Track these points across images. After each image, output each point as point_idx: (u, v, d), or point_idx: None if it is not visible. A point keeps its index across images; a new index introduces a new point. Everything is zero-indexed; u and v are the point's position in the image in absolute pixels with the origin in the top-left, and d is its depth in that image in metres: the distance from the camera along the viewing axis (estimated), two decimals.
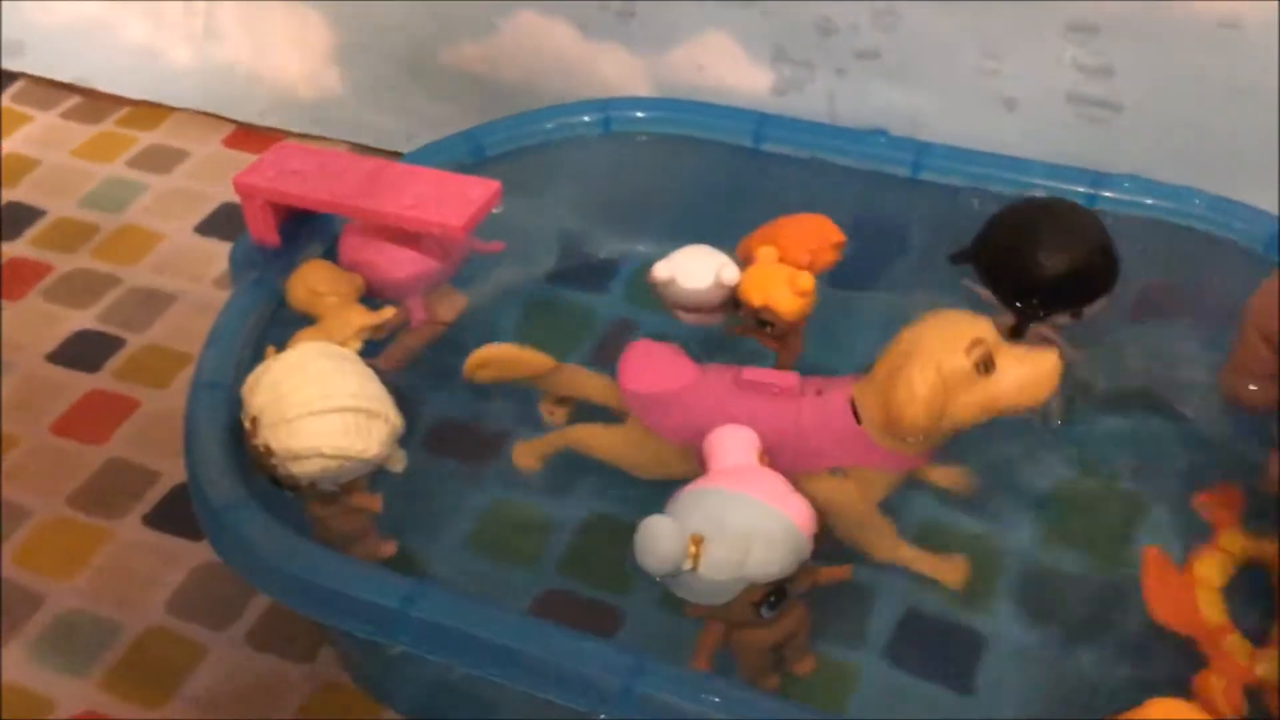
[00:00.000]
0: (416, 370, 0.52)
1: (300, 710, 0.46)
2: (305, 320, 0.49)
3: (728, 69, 0.65)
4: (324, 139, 0.75)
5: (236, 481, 0.41)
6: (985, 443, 0.47)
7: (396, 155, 0.64)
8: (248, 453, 0.41)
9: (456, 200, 0.48)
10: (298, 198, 0.49)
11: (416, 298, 0.51)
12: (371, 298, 0.50)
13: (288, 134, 0.76)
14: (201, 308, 0.64)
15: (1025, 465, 0.50)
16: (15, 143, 0.77)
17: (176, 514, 0.53)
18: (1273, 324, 0.41)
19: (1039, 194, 0.52)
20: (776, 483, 0.38)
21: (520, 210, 0.53)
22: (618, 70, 0.67)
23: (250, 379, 0.42)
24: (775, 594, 0.37)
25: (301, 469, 0.40)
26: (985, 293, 0.49)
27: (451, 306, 0.53)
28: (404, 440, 0.43)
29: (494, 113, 0.59)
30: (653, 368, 0.46)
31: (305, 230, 0.51)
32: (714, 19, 0.63)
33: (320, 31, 0.75)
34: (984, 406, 0.42)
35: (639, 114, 0.58)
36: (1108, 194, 0.52)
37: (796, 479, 0.44)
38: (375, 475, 0.43)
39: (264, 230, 0.50)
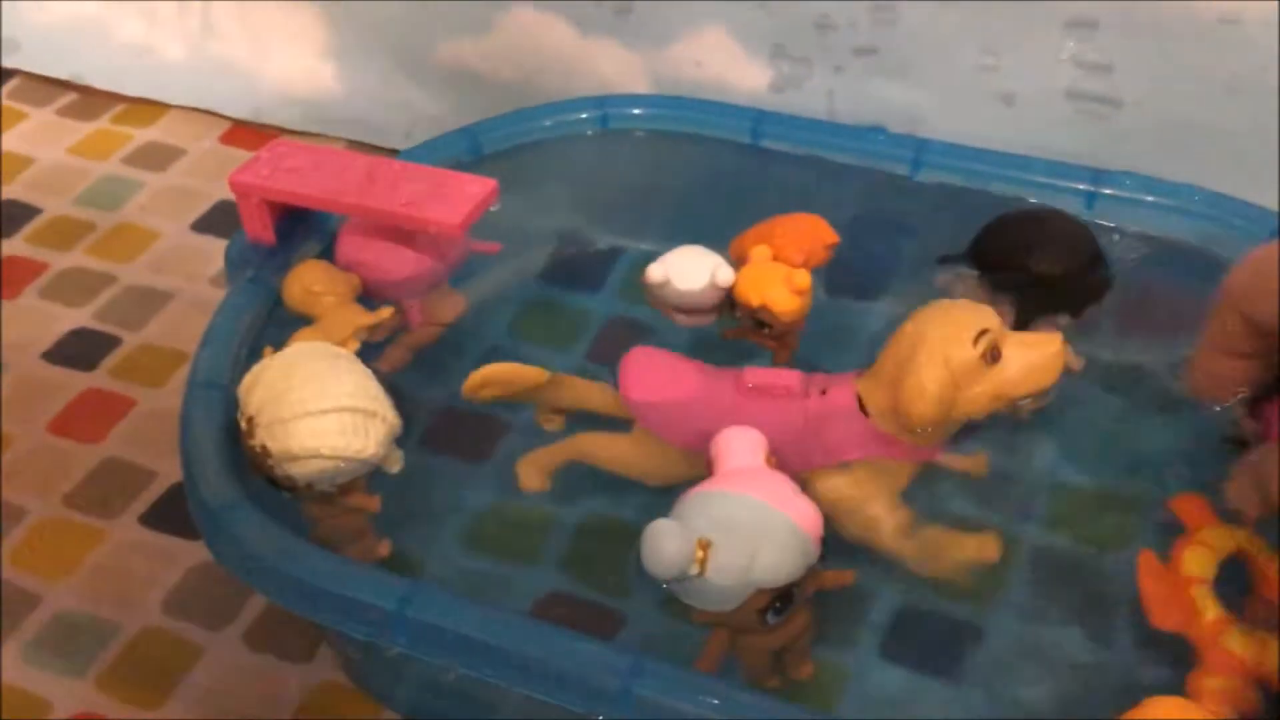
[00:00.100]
0: (414, 370, 0.52)
1: (298, 710, 0.46)
2: (301, 320, 0.48)
3: (726, 66, 0.64)
4: (320, 136, 0.75)
5: (232, 481, 0.41)
6: (981, 437, 0.47)
7: (393, 152, 0.63)
8: (244, 453, 0.41)
9: (454, 198, 0.48)
10: (294, 195, 0.49)
11: (414, 298, 0.51)
12: (369, 298, 0.50)
13: (284, 131, 0.76)
14: (198, 306, 0.64)
15: (1024, 459, 0.50)
16: (11, 140, 0.76)
17: (173, 513, 0.53)
18: (1256, 302, 0.40)
19: (1038, 191, 0.52)
20: (783, 485, 0.38)
21: (517, 208, 0.53)
22: (615, 67, 0.67)
23: (247, 379, 0.42)
24: (781, 599, 0.37)
25: (299, 470, 0.40)
26: (979, 294, 0.49)
27: (450, 307, 0.53)
28: (401, 440, 0.43)
29: (491, 110, 0.59)
30: (654, 374, 0.45)
31: (301, 228, 0.51)
32: (712, 15, 0.63)
33: (316, 28, 0.74)
34: (993, 395, 0.41)
35: (636, 111, 0.58)
36: (1107, 190, 0.51)
37: (808, 476, 0.43)
38: (372, 475, 0.43)
39: (260, 228, 0.50)
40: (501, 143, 0.57)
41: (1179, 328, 0.48)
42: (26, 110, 0.79)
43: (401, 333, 0.52)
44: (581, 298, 0.58)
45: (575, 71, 0.68)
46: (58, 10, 0.79)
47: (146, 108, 0.78)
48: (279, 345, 0.44)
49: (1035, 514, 0.48)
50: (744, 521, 0.37)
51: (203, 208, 0.71)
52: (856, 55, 0.61)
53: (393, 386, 0.43)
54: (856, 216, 0.54)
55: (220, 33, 0.77)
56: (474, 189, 0.48)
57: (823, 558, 0.38)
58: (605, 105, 0.58)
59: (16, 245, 0.68)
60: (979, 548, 0.45)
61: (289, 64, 0.75)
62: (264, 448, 0.40)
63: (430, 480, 0.50)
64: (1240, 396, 0.43)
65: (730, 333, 0.50)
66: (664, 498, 0.45)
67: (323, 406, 0.40)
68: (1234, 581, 0.41)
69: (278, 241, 0.50)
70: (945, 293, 0.49)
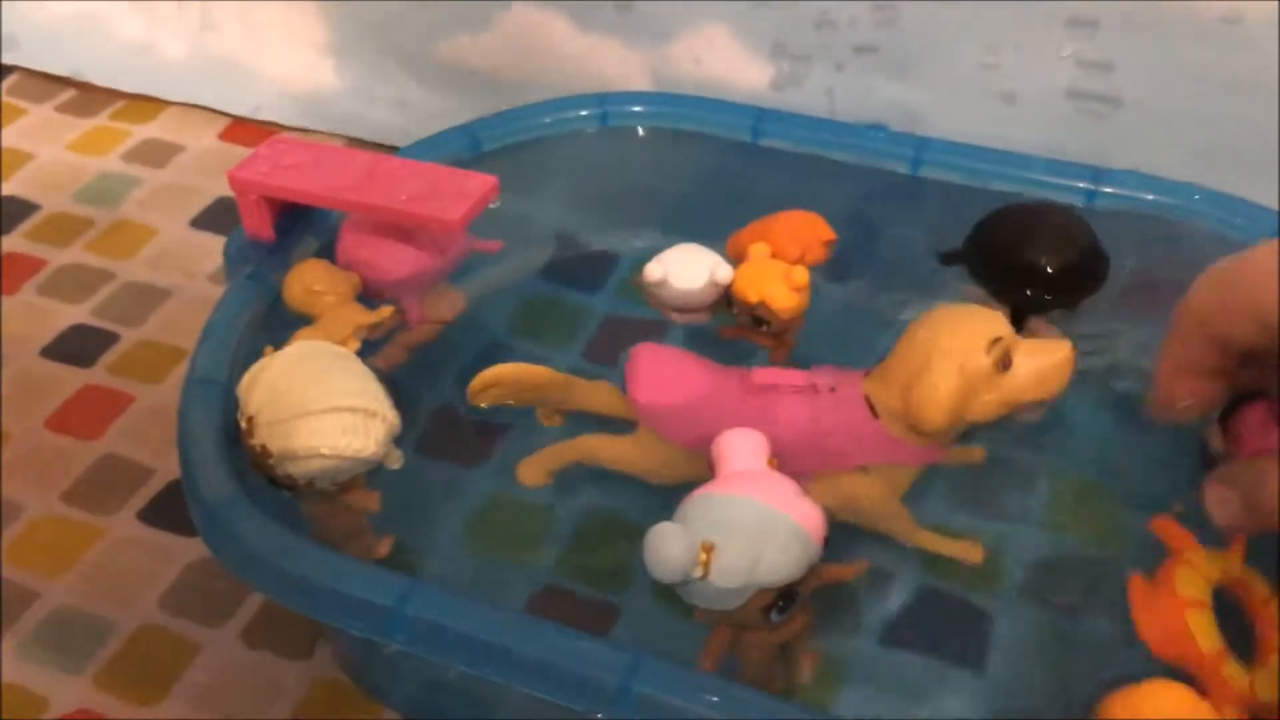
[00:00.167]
0: (412, 368, 0.52)
1: (296, 708, 0.46)
2: (301, 317, 0.48)
3: (726, 63, 0.64)
4: (319, 133, 0.75)
5: (230, 478, 0.41)
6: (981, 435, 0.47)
7: (392, 149, 0.63)
8: (244, 452, 0.41)
9: (453, 194, 0.47)
10: (293, 192, 0.49)
11: (414, 297, 0.51)
12: (368, 297, 0.50)
13: (283, 128, 0.76)
14: (196, 303, 0.64)
15: (1024, 457, 0.50)
16: (10, 136, 0.76)
17: (171, 510, 0.53)
18: (1218, 317, 0.38)
19: (1038, 189, 0.52)
20: (786, 487, 0.38)
21: (516, 205, 0.53)
22: (615, 64, 0.67)
23: (246, 378, 0.42)
24: (784, 598, 0.37)
25: (299, 469, 0.40)
26: (977, 291, 0.49)
27: (450, 305, 0.53)
28: (399, 438, 0.43)
29: (490, 107, 0.59)
30: (662, 375, 0.45)
31: (300, 225, 0.51)
32: (712, 13, 0.63)
33: (316, 25, 0.74)
34: (1003, 402, 0.41)
35: (637, 108, 0.58)
36: (1108, 189, 0.51)
37: (818, 479, 0.43)
38: (371, 473, 0.43)
39: (259, 225, 0.49)
40: (501, 140, 0.57)
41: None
42: (25, 106, 0.79)
43: (400, 331, 0.52)
44: (580, 295, 0.58)
45: (575, 69, 0.68)
46: (57, 7, 0.79)
47: (145, 104, 0.78)
48: (278, 344, 0.44)
49: (1033, 512, 0.48)
50: (747, 523, 0.37)
51: (201, 204, 0.70)
52: (857, 53, 0.61)
53: (391, 384, 0.43)
54: (856, 214, 0.54)
55: (219, 30, 0.77)
56: (474, 186, 0.48)
57: (838, 554, 0.38)
58: (605, 102, 0.58)
59: (15, 241, 0.68)
60: (964, 552, 0.45)
61: (288, 61, 0.75)
62: (264, 447, 0.40)
63: (429, 478, 0.50)
64: (1204, 415, 0.42)
65: (728, 331, 0.50)
66: (662, 492, 0.45)
67: (323, 406, 0.40)
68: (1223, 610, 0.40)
69: (276, 238, 0.50)
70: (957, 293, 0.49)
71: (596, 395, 0.47)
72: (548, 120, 0.57)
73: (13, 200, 0.71)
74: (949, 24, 0.59)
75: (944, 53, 0.60)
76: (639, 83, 0.67)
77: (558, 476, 0.48)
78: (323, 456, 0.40)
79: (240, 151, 0.73)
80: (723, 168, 0.57)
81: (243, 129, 0.76)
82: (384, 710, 0.46)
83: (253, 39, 0.76)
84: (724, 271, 0.48)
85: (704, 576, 0.36)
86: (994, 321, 0.42)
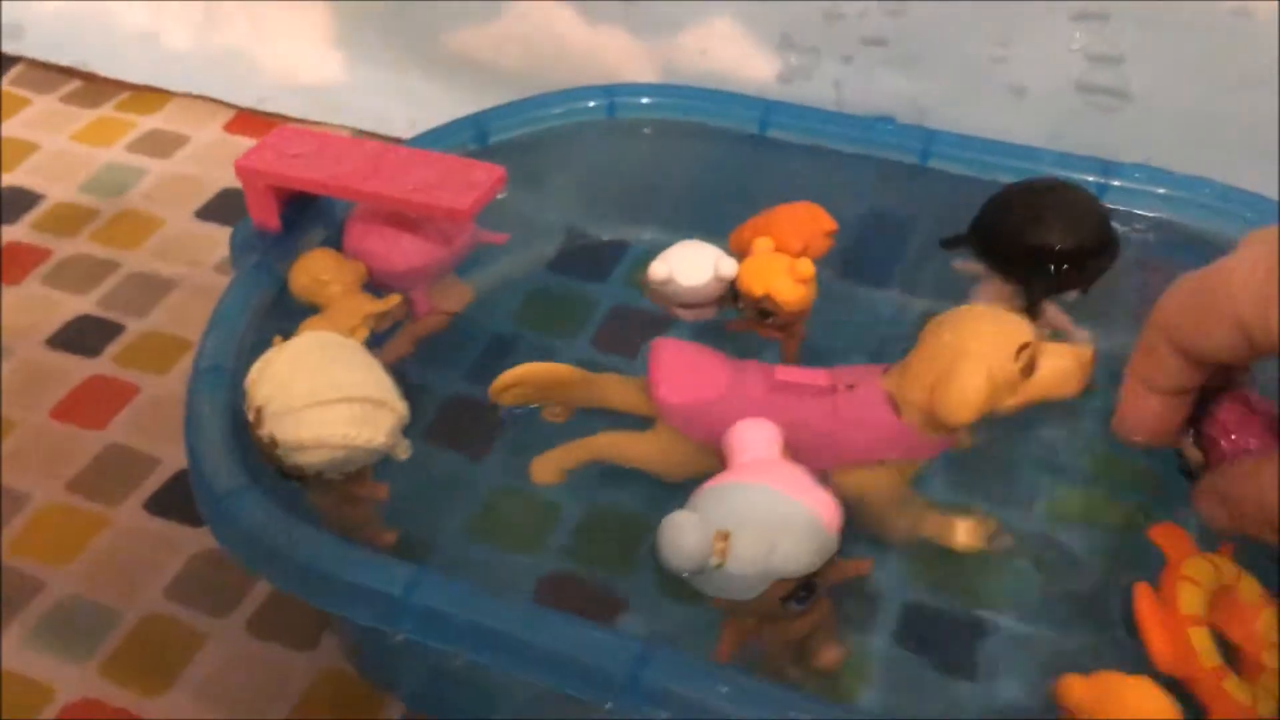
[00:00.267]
0: (419, 359, 0.52)
1: (301, 698, 0.46)
2: (307, 307, 0.48)
3: (733, 55, 0.64)
4: (325, 124, 0.75)
5: (237, 467, 0.40)
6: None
7: (398, 142, 0.63)
8: (252, 443, 0.41)
9: (461, 184, 0.47)
10: (300, 181, 0.48)
11: (421, 288, 0.51)
12: (375, 287, 0.49)
13: (288, 119, 0.75)
14: (201, 293, 0.64)
15: (1030, 447, 0.49)
16: (14, 127, 0.76)
17: (177, 500, 0.53)
18: (1188, 330, 0.36)
19: None
20: (801, 476, 0.38)
21: (523, 196, 0.53)
22: (621, 56, 0.67)
23: (254, 369, 0.42)
24: (804, 589, 0.37)
25: (307, 459, 0.40)
26: (979, 268, 0.49)
27: (457, 297, 0.53)
28: (406, 428, 0.43)
29: (496, 99, 0.58)
30: (686, 373, 0.44)
31: (307, 215, 0.50)
32: (720, 5, 0.63)
33: (321, 16, 0.74)
34: (1025, 402, 0.42)
35: (644, 100, 0.57)
36: (1117, 183, 0.51)
37: (835, 473, 0.43)
38: (378, 464, 0.43)
39: (265, 214, 0.49)
40: (507, 131, 0.57)
41: None
42: (30, 97, 0.79)
43: (406, 322, 0.51)
44: (587, 287, 0.58)
45: (582, 61, 0.68)
46: None
47: (150, 95, 0.78)
48: (286, 333, 0.44)
49: (1036, 506, 0.48)
50: (762, 511, 0.36)
51: (207, 195, 0.70)
52: (865, 46, 0.61)
53: (398, 375, 0.43)
54: (865, 207, 0.54)
55: (224, 20, 0.77)
56: (482, 175, 0.48)
57: (844, 549, 0.38)
58: (613, 94, 0.58)
59: (20, 231, 0.68)
60: (974, 533, 0.45)
61: (293, 52, 0.75)
62: (272, 438, 0.40)
63: (436, 469, 0.50)
64: (1163, 443, 0.40)
65: (735, 325, 0.50)
66: (670, 484, 0.45)
67: (331, 396, 0.40)
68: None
69: (283, 228, 0.50)
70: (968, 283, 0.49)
71: (616, 391, 0.47)
72: (555, 111, 0.57)
73: (18, 190, 0.71)
74: (958, 16, 0.58)
75: (953, 45, 0.59)
76: (645, 75, 0.67)
77: (567, 472, 0.48)
78: (331, 447, 0.39)
79: (246, 143, 0.73)
80: (731, 160, 0.57)
81: (248, 120, 0.76)
82: (389, 701, 0.46)
83: (258, 30, 0.76)
84: (728, 265, 0.48)
85: (720, 565, 0.36)
86: (1021, 328, 0.42)
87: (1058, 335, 0.48)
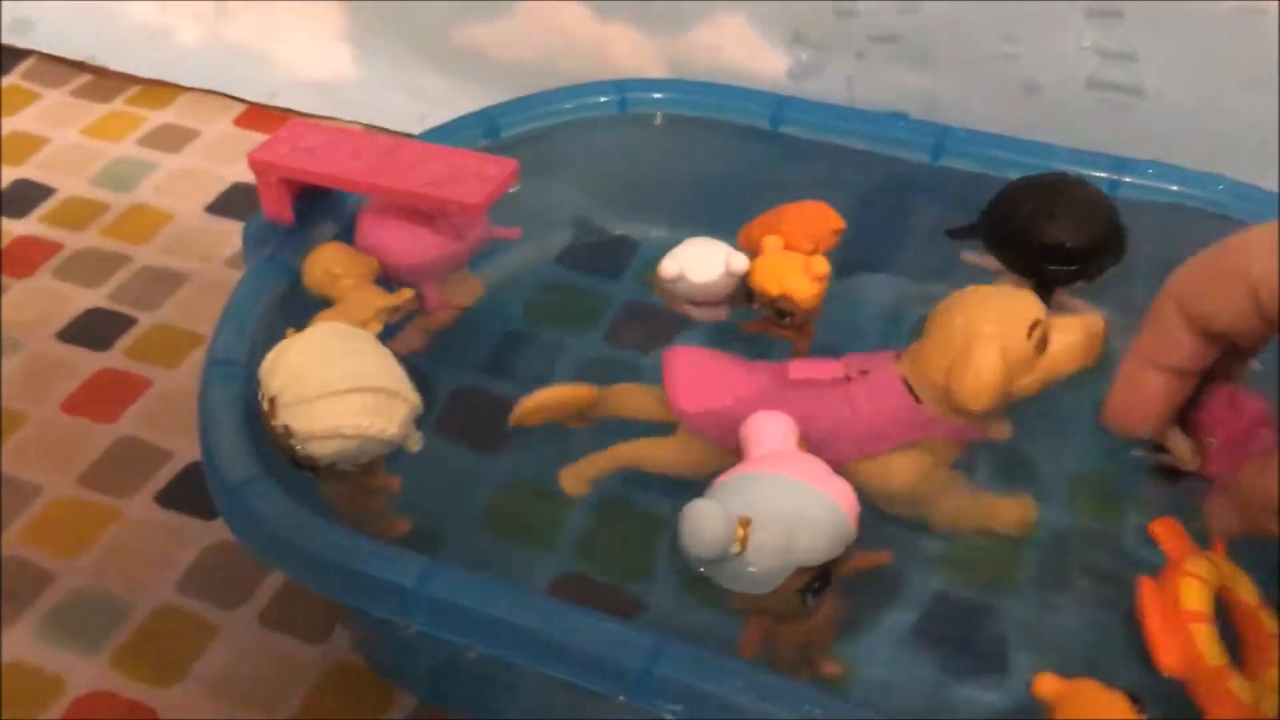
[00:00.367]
0: (430, 353, 0.52)
1: (312, 691, 0.46)
2: (320, 301, 0.48)
3: (743, 53, 0.64)
4: (335, 120, 0.75)
5: (251, 458, 0.41)
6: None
7: (409, 137, 0.63)
8: (266, 433, 0.41)
9: (473, 178, 0.47)
10: (313, 174, 0.48)
11: (433, 282, 0.51)
12: (387, 281, 0.50)
13: (299, 114, 0.75)
14: (212, 287, 0.64)
15: (1042, 441, 0.49)
16: (24, 121, 0.76)
17: (188, 493, 0.53)
18: (1197, 296, 0.36)
19: None
20: (817, 466, 0.38)
21: (534, 191, 0.53)
22: (631, 52, 0.67)
23: (268, 360, 0.42)
24: (820, 579, 0.37)
25: (321, 449, 0.40)
26: (990, 261, 0.49)
27: (468, 291, 0.53)
28: (418, 422, 0.43)
29: (507, 95, 0.58)
30: (700, 378, 0.44)
31: (320, 208, 0.50)
32: (731, 1, 0.63)
33: (332, 12, 0.74)
34: (1042, 379, 0.42)
35: (656, 95, 0.57)
36: (1129, 179, 0.51)
37: (861, 465, 0.43)
38: (390, 456, 0.43)
39: (278, 207, 0.49)
40: (519, 125, 0.57)
41: None
42: (40, 91, 0.79)
43: (418, 316, 0.51)
44: (599, 282, 0.58)
45: (592, 57, 0.68)
46: None
47: (161, 90, 0.78)
48: (299, 327, 0.44)
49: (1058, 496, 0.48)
50: (781, 500, 0.36)
51: (217, 190, 0.70)
52: (877, 42, 0.61)
53: (409, 369, 0.43)
54: (877, 203, 0.54)
55: (235, 15, 0.77)
56: (494, 169, 0.48)
57: (862, 541, 0.38)
58: (624, 89, 0.58)
59: (30, 225, 0.68)
60: (1018, 514, 0.45)
61: (304, 47, 0.75)
62: (286, 428, 0.40)
63: (448, 462, 0.50)
64: (1156, 432, 0.40)
65: (750, 326, 0.50)
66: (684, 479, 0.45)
67: (345, 386, 0.40)
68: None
69: (296, 221, 0.50)
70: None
71: (634, 401, 0.47)
72: (567, 106, 0.57)
73: (28, 184, 0.71)
74: (970, 13, 0.58)
75: (964, 42, 0.59)
76: (656, 72, 0.67)
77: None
78: (344, 437, 0.39)
79: (256, 138, 0.73)
80: (742, 155, 0.57)
81: (259, 115, 0.76)
82: (400, 695, 0.46)
83: (269, 25, 0.76)
84: (739, 261, 0.48)
85: (741, 552, 0.36)
86: (1032, 305, 0.42)
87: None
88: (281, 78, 0.76)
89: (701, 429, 0.44)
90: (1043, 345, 0.41)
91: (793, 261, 0.48)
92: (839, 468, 0.39)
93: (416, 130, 0.70)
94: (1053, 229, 0.47)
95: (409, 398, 0.41)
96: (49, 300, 0.63)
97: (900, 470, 0.43)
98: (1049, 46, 0.58)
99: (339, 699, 0.46)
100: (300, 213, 0.50)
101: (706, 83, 0.58)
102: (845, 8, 0.60)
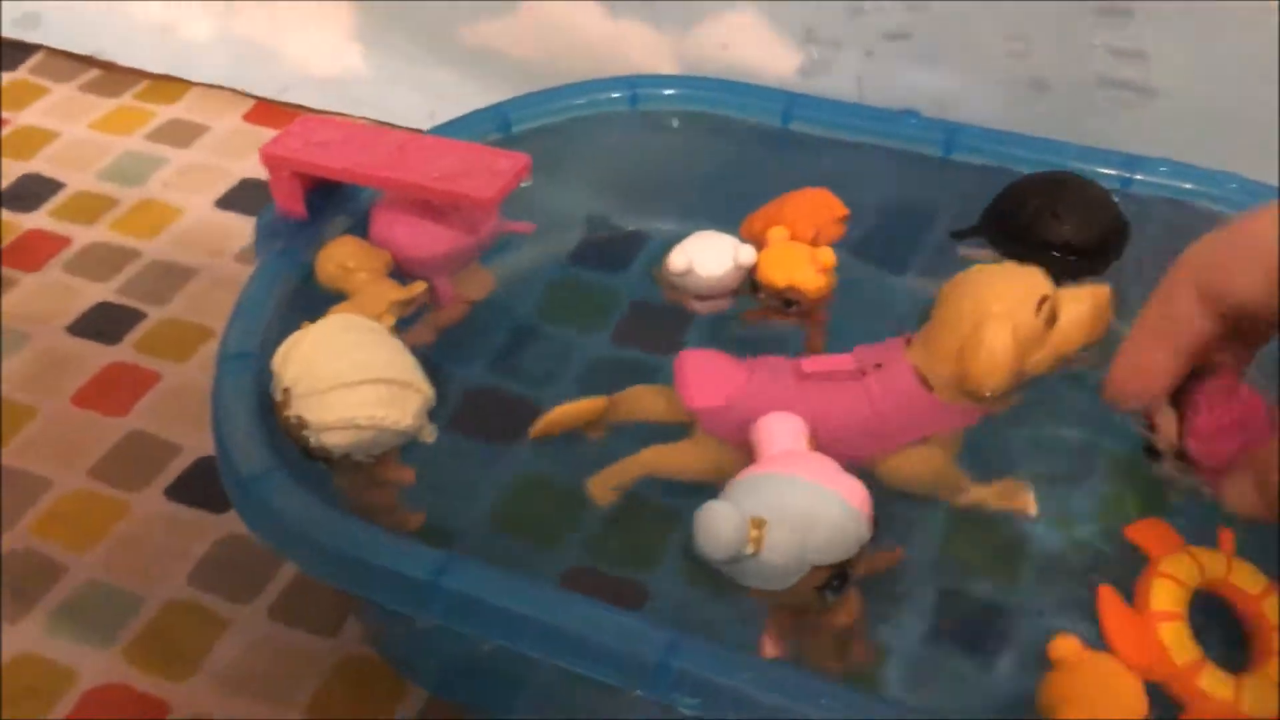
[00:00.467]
0: (443, 347, 0.52)
1: (324, 683, 0.46)
2: (333, 294, 0.48)
3: (754, 49, 0.64)
4: (344, 116, 0.75)
5: (265, 451, 0.40)
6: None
7: (418, 132, 0.63)
8: (279, 425, 0.41)
9: (485, 172, 0.47)
10: (325, 169, 0.48)
11: (445, 276, 0.51)
12: (400, 275, 0.50)
13: (308, 110, 0.75)
14: (221, 282, 0.64)
15: (1043, 437, 0.49)
16: (34, 115, 0.76)
17: (199, 487, 0.53)
18: (1212, 271, 0.35)
19: None
20: (829, 465, 0.38)
21: (546, 186, 0.53)
22: (642, 48, 0.67)
23: (281, 351, 0.42)
24: (839, 577, 0.37)
25: (335, 440, 0.40)
26: (988, 255, 0.49)
27: (480, 285, 0.53)
28: (431, 415, 0.43)
29: (516, 91, 0.58)
30: (714, 380, 0.44)
31: (332, 202, 0.51)
32: None
33: (341, 7, 0.74)
34: (1054, 355, 0.42)
35: (667, 91, 0.58)
36: (1140, 176, 0.51)
37: (880, 462, 0.43)
38: (403, 449, 0.43)
39: (290, 201, 0.49)
40: (530, 121, 0.57)
41: None
42: (49, 86, 0.79)
43: (430, 310, 0.51)
44: (609, 277, 0.58)
45: (602, 54, 0.68)
46: None
47: (170, 85, 0.78)
48: (312, 320, 0.44)
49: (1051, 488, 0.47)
50: (795, 500, 0.36)
51: (227, 185, 0.70)
52: (887, 39, 0.61)
53: (422, 362, 0.43)
54: (889, 200, 0.54)
55: (244, 11, 0.77)
56: (506, 164, 0.48)
57: (873, 539, 0.38)
58: (636, 85, 0.58)
59: (40, 219, 0.68)
60: (1016, 498, 0.45)
61: (313, 43, 0.75)
62: (300, 419, 0.40)
63: (460, 455, 0.50)
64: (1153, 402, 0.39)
65: (752, 314, 0.50)
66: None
67: (358, 377, 0.40)
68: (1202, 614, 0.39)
69: (308, 215, 0.50)
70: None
71: (646, 403, 0.47)
72: (578, 102, 0.57)
73: (37, 178, 0.71)
74: (979, 11, 0.58)
75: (974, 39, 0.59)
76: (666, 68, 0.67)
77: (590, 461, 0.48)
78: (358, 427, 0.40)
79: (266, 133, 0.73)
80: (753, 152, 0.57)
81: (268, 111, 0.76)
82: (412, 688, 0.46)
83: (278, 21, 0.76)
84: (746, 254, 0.48)
85: (755, 553, 0.36)
86: (1039, 280, 0.42)
87: None
88: (291, 73, 0.76)
89: (715, 427, 0.44)
90: (1052, 320, 0.41)
91: (800, 252, 0.48)
92: (852, 465, 0.39)
93: (426, 126, 0.70)
94: (1057, 226, 0.48)
95: (422, 389, 0.41)
96: (59, 294, 0.63)
97: (915, 466, 0.44)
98: (1059, 44, 0.58)
99: (350, 693, 0.46)
100: (313, 207, 0.50)
101: (718, 79, 0.59)
102: (856, 5, 0.60)
